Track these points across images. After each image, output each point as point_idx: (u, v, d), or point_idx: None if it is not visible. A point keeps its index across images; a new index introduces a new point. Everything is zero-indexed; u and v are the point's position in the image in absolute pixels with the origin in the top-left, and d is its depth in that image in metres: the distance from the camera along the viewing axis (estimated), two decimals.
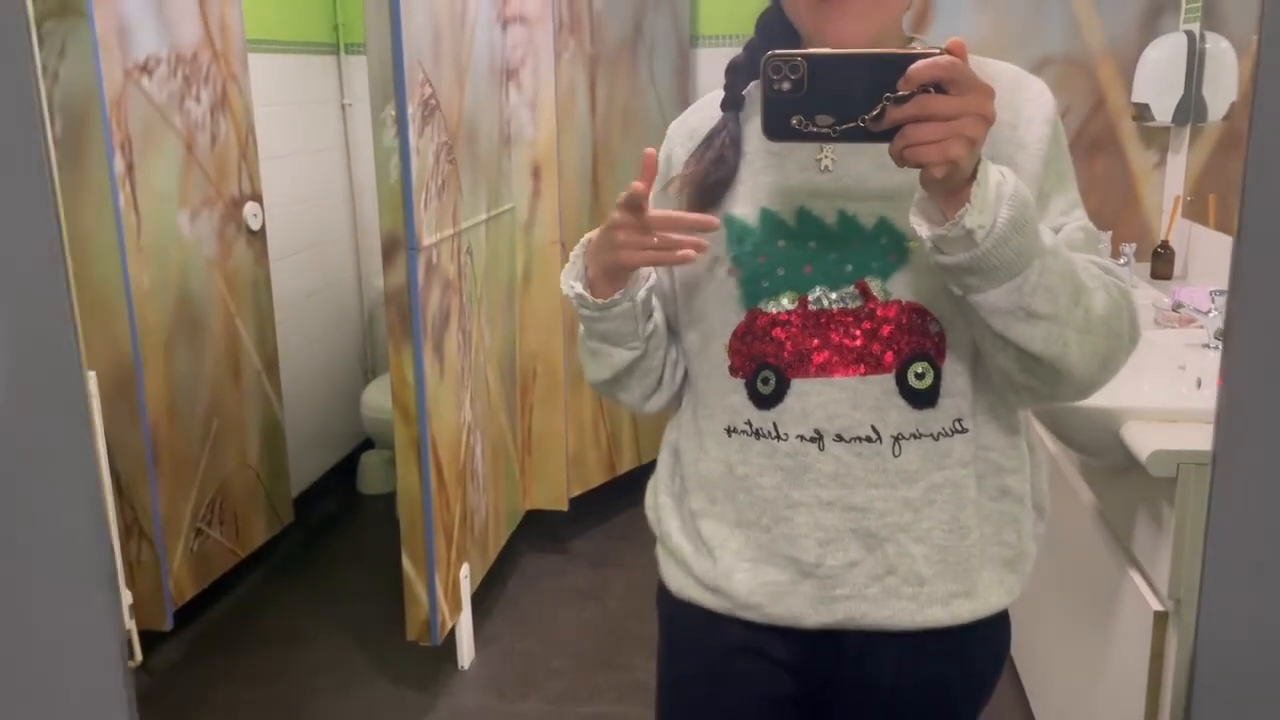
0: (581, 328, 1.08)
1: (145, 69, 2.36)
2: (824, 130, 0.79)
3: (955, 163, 0.77)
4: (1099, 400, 1.58)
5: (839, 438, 0.97)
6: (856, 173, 0.97)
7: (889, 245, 0.95)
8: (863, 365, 0.96)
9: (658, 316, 1.07)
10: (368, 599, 2.85)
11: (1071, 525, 1.91)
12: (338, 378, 3.63)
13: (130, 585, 2.36)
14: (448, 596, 2.37)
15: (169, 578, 2.46)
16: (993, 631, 1.04)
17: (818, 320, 0.97)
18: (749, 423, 1.01)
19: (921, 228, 0.83)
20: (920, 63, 0.76)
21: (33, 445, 0.49)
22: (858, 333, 0.96)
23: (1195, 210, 2.56)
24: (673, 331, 1.11)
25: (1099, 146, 2.72)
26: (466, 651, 2.53)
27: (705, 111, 1.08)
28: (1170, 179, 2.71)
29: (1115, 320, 0.91)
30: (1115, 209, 2.75)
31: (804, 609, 1.01)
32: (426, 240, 2.21)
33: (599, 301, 1.01)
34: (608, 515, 3.23)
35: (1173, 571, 1.46)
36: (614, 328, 1.04)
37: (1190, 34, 2.53)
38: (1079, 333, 0.87)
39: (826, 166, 0.98)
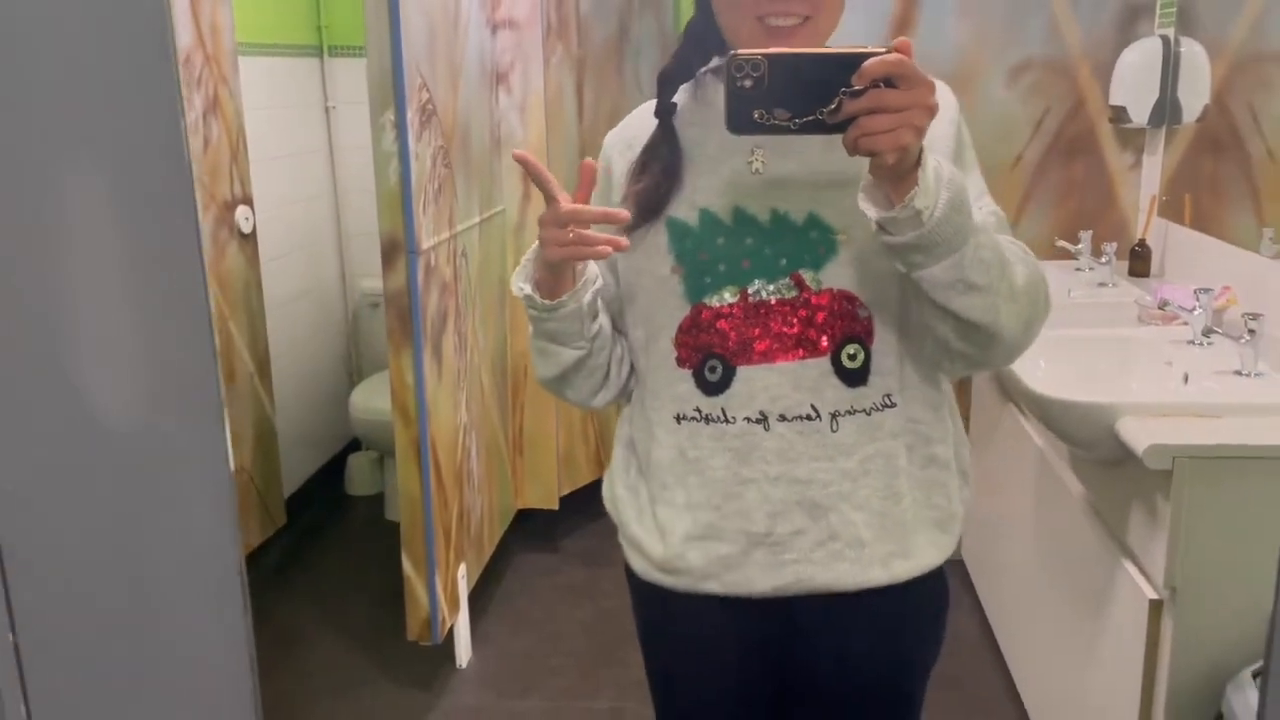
0: (530, 327, 1.16)
1: None
2: (784, 123, 0.87)
3: (905, 149, 0.85)
4: (1093, 396, 1.65)
5: (782, 417, 1.07)
6: (785, 173, 1.06)
7: (819, 238, 1.05)
8: (801, 350, 1.06)
9: (603, 319, 1.15)
10: (363, 599, 2.87)
11: (1062, 517, 1.96)
12: (324, 379, 3.63)
13: None
14: (446, 596, 2.39)
15: None
16: (930, 587, 1.15)
17: (758, 311, 1.07)
18: (698, 409, 1.10)
19: (870, 211, 0.92)
20: (872, 60, 0.84)
21: (171, 451, 0.51)
22: (795, 320, 1.06)
23: (1171, 210, 2.64)
24: (618, 332, 1.19)
25: (1078, 148, 2.79)
26: (464, 650, 2.56)
27: (640, 122, 1.16)
28: (1146, 179, 2.78)
29: (1035, 289, 1.03)
30: (1094, 209, 2.82)
31: (756, 574, 1.11)
32: (425, 244, 2.22)
33: (546, 303, 1.09)
34: (598, 513, 3.22)
35: (1168, 561, 1.52)
36: (560, 328, 1.11)
37: (1165, 38, 2.61)
38: (1008, 301, 0.98)
39: (757, 169, 1.07)
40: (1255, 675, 1.47)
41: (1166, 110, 2.63)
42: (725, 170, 1.08)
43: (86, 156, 0.47)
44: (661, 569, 1.16)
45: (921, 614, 1.18)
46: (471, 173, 2.56)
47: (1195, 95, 2.50)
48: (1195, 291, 1.91)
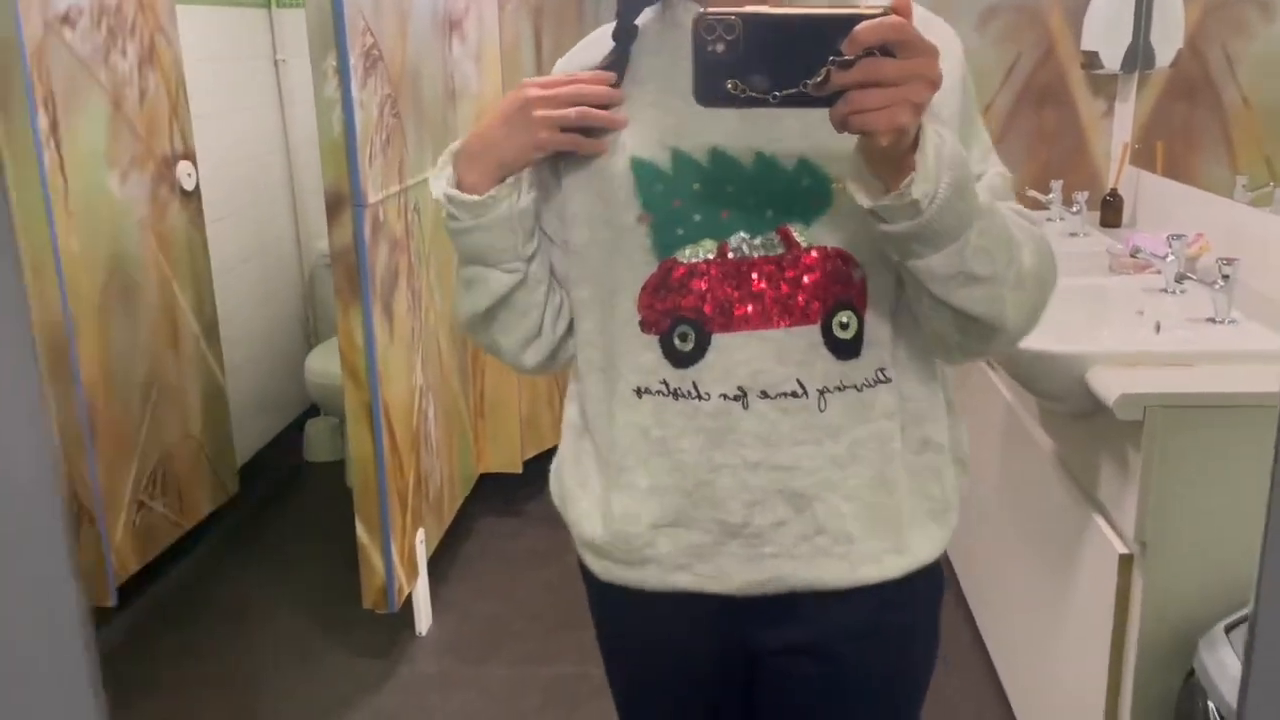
0: (455, 259, 1.00)
1: (67, 20, 2.23)
2: (761, 96, 0.75)
3: (902, 130, 0.73)
4: (1063, 346, 1.59)
5: (764, 394, 0.92)
6: (772, 111, 0.93)
7: (811, 188, 0.91)
8: (787, 316, 0.92)
9: (540, 240, 1.00)
10: (319, 568, 2.79)
11: (1031, 472, 1.92)
12: (279, 343, 3.53)
13: None
14: (404, 563, 2.32)
15: (111, 553, 2.37)
16: (923, 582, 1.02)
17: (738, 269, 0.92)
18: (665, 382, 0.95)
19: (860, 197, 0.80)
20: (866, 24, 0.72)
21: None
22: (781, 282, 0.92)
23: (1143, 158, 2.58)
24: (556, 280, 1.03)
25: (1048, 95, 2.72)
26: (424, 617, 2.49)
27: (595, 49, 0.99)
28: (1118, 127, 2.72)
29: (1043, 271, 0.91)
30: (1065, 157, 2.76)
31: (731, 567, 0.97)
32: (373, 197, 2.13)
33: (475, 198, 0.93)
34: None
35: (1139, 514, 1.47)
36: (491, 240, 0.95)
37: None
38: (1014, 289, 0.87)
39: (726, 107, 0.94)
40: (1228, 630, 1.43)
41: (1139, 55, 2.57)
42: (698, 105, 0.91)
43: None
44: (627, 563, 1.01)
45: (915, 612, 1.04)
46: (424, 124, 2.45)
47: (1168, 40, 2.44)
48: (1168, 238, 1.86)
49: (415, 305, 2.42)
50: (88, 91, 2.30)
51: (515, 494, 3.11)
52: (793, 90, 0.75)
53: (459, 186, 0.94)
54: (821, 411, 0.93)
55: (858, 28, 0.72)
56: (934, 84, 0.74)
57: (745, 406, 0.93)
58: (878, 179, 0.79)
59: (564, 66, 1.02)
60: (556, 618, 2.54)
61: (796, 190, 0.91)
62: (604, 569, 1.04)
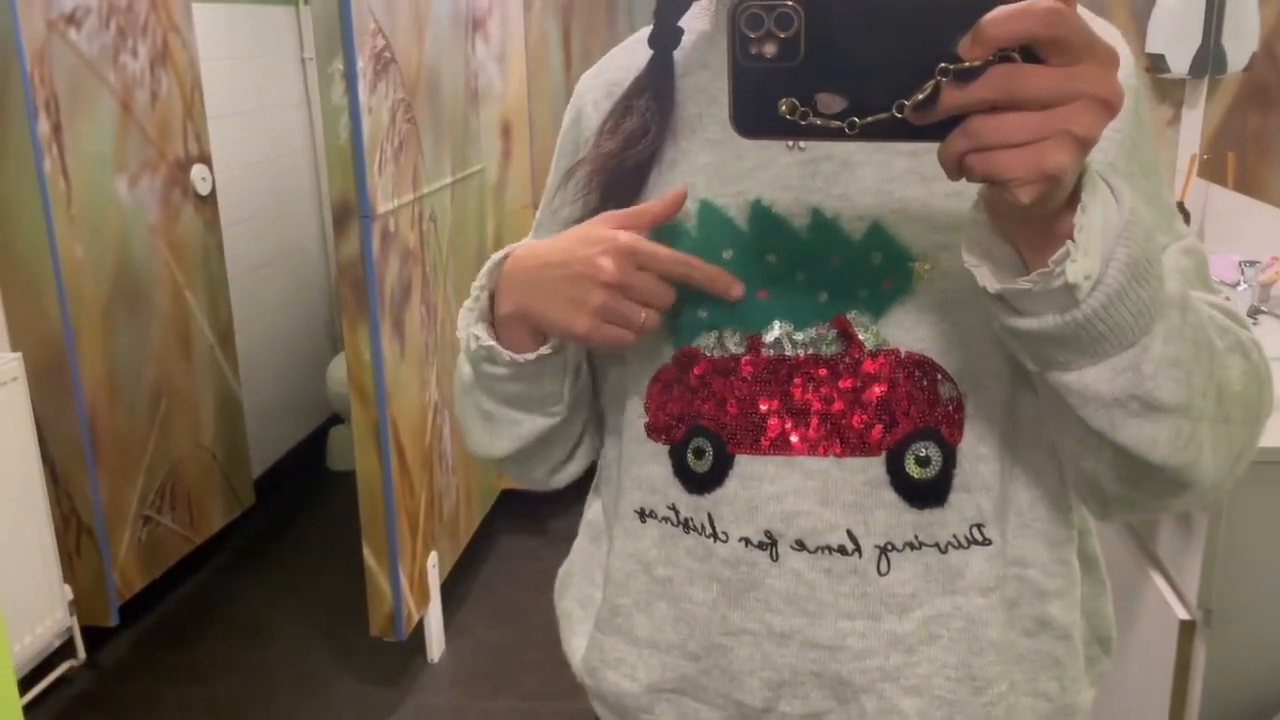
0: (466, 373, 0.78)
1: (72, 20, 2.15)
2: (832, 123, 0.50)
3: (1056, 178, 0.49)
4: None
5: (799, 545, 0.69)
6: (843, 152, 0.69)
7: (885, 266, 0.67)
8: (839, 442, 0.68)
9: (583, 362, 0.79)
10: (333, 586, 2.70)
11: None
12: (302, 350, 3.45)
13: (69, 580, 2.21)
14: (414, 588, 2.22)
15: (112, 570, 2.30)
16: None
17: (775, 372, 0.69)
18: (674, 508, 0.73)
19: (983, 274, 0.56)
20: (1002, 10, 0.47)
21: None
22: (834, 393, 0.68)
23: (1212, 170, 2.40)
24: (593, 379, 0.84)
25: None
26: (436, 644, 2.39)
27: (628, 58, 0.79)
28: (1186, 136, 2.55)
29: (1258, 398, 0.64)
30: None
31: None
32: (382, 207, 2.02)
33: (522, 359, 0.72)
34: (588, 490, 3.09)
35: (1203, 578, 1.33)
36: (532, 390, 0.75)
37: None
38: (1215, 424, 0.60)
39: (799, 143, 0.69)
40: None
41: (1209, 59, 2.39)
42: (746, 142, 0.60)
43: None
44: (622, 718, 0.80)
45: None
46: (442, 129, 2.35)
47: (1241, 42, 2.26)
48: (1239, 264, 1.69)
49: (430, 320, 2.31)
50: (94, 93, 2.23)
51: (538, 510, 3.00)
52: (882, 115, 0.50)
53: (499, 315, 0.73)
54: (882, 575, 0.69)
55: (988, 16, 0.47)
56: (1110, 108, 0.49)
57: (774, 558, 0.69)
58: (1010, 249, 0.56)
59: (588, 84, 0.82)
60: None
61: (864, 267, 0.67)
62: (604, 715, 0.84)
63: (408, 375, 2.18)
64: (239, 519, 2.88)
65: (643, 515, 0.75)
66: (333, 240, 3.52)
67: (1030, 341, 0.57)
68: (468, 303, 0.75)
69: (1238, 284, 1.66)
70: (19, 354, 2.03)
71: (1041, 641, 0.73)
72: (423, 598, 2.29)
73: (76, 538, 2.24)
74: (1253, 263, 1.69)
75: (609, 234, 0.68)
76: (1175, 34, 2.41)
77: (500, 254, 0.74)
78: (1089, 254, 0.52)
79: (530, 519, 2.98)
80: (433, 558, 2.34)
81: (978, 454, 0.68)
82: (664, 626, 0.75)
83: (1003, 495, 0.70)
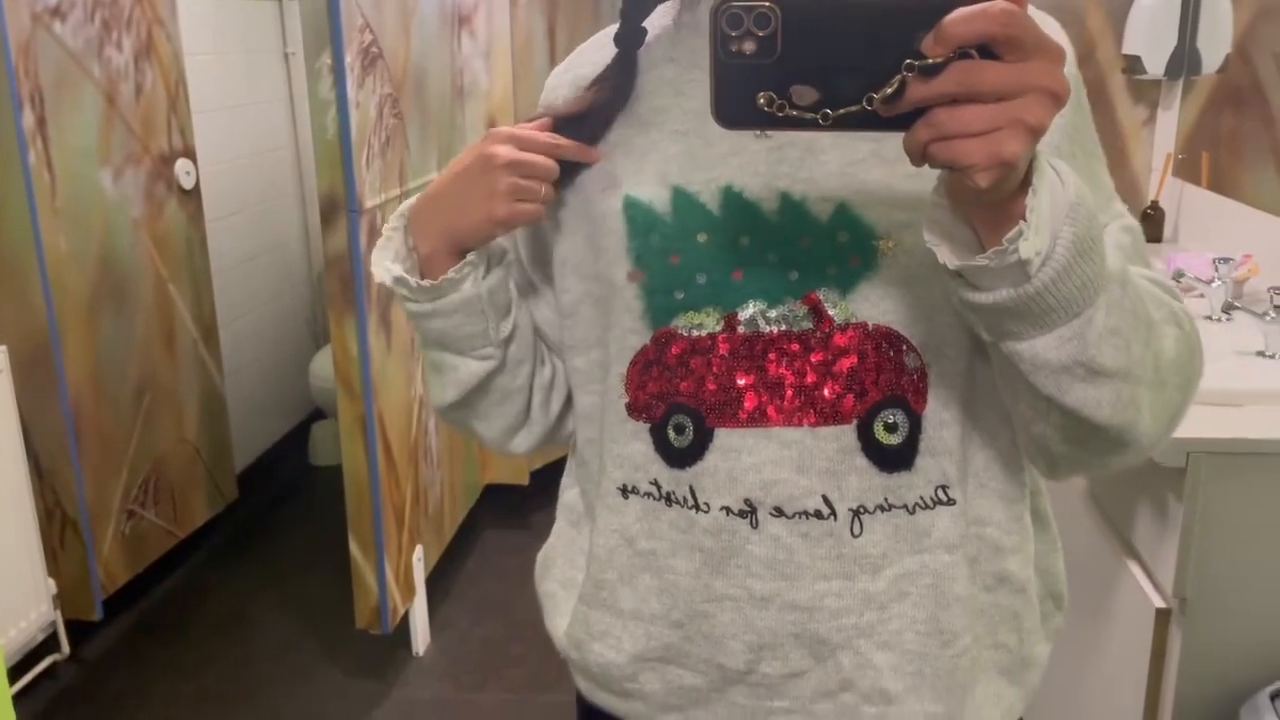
0: (415, 332, 0.84)
1: (57, 13, 2.15)
2: (807, 114, 0.55)
3: (1010, 163, 0.53)
4: None
5: (778, 511, 0.73)
6: (807, 139, 0.72)
7: (851, 245, 0.71)
8: (812, 412, 0.72)
9: (521, 317, 0.83)
10: (317, 580, 2.71)
11: (1061, 509, 1.79)
12: (285, 344, 3.45)
13: (54, 573, 2.20)
14: (399, 581, 2.23)
15: (96, 564, 2.30)
16: None
17: (751, 348, 0.73)
18: (656, 483, 0.77)
19: (943, 252, 0.60)
20: (960, 12, 0.52)
21: None
22: (806, 366, 0.72)
23: (1187, 169, 2.44)
24: (547, 345, 0.88)
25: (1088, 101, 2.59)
26: (422, 637, 2.40)
27: (597, 53, 0.83)
28: (1161, 136, 2.59)
29: (1189, 364, 0.69)
30: None
31: (733, 718, 0.79)
32: (369, 202, 2.03)
33: (428, 284, 0.77)
34: None
35: (1179, 567, 1.35)
36: (454, 326, 0.79)
37: None
38: (1152, 389, 0.65)
39: (765, 131, 0.72)
40: (1273, 698, 1.31)
41: (1185, 60, 2.43)
42: (714, 130, 0.65)
43: None
44: (607, 689, 0.83)
45: None
46: (428, 124, 2.35)
47: (1216, 44, 2.30)
48: (1213, 261, 1.72)
49: None
50: (79, 86, 2.22)
51: (521, 505, 3.01)
52: (853, 107, 0.55)
53: (421, 256, 0.78)
54: (855, 537, 0.73)
55: (948, 18, 0.52)
56: (1058, 99, 0.54)
57: (754, 525, 0.74)
58: (967, 229, 0.60)
59: (558, 79, 0.86)
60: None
61: (832, 247, 0.71)
62: (588, 689, 0.86)
63: (394, 370, 2.19)
64: (222, 513, 2.88)
65: (625, 492, 0.78)
66: (315, 236, 3.54)
67: (986, 314, 0.61)
68: (379, 243, 0.80)
69: (1212, 280, 1.70)
70: (3, 347, 2.02)
71: (1000, 596, 0.78)
72: (408, 591, 2.30)
73: (61, 531, 2.24)
74: (1226, 259, 1.73)
75: (488, 134, 0.77)
76: (1151, 36, 2.44)
77: (405, 205, 0.80)
78: (1039, 232, 0.57)
79: (514, 514, 3.00)
80: (418, 551, 2.35)
81: (941, 420, 0.73)
82: (648, 598, 0.78)
83: (963, 458, 0.75)
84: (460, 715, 2.20)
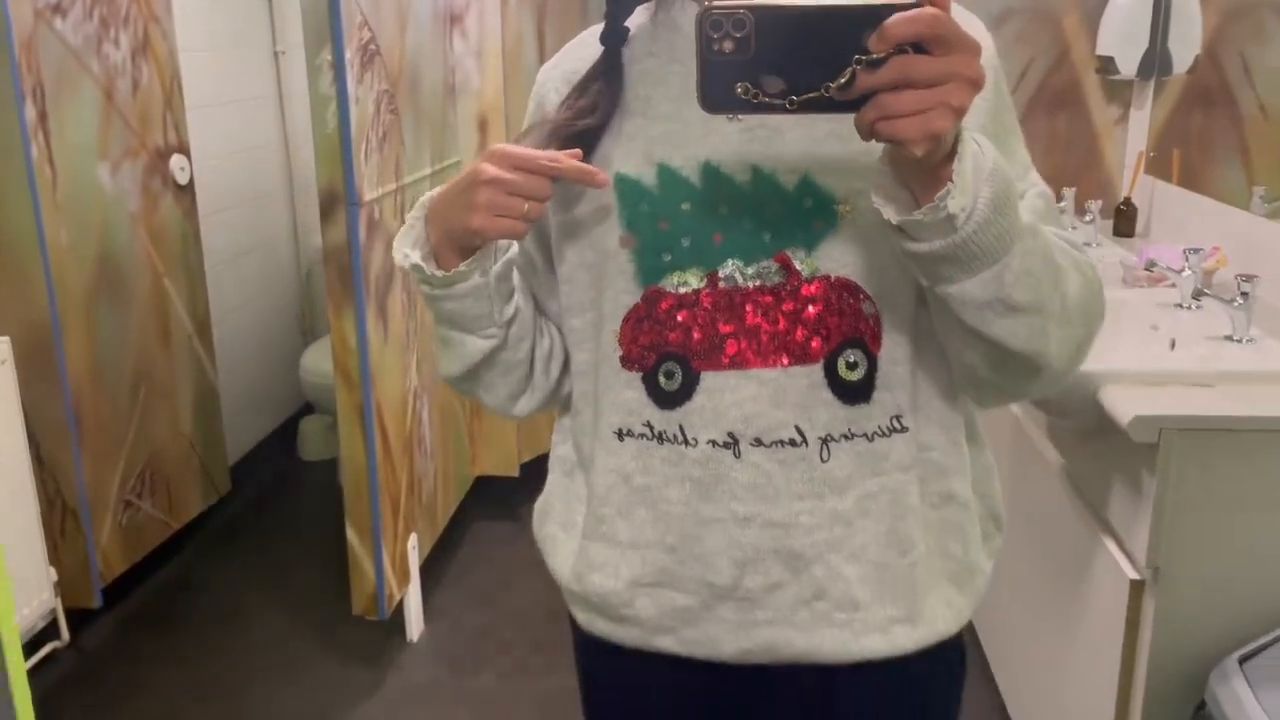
0: (429, 311, 0.93)
1: (58, 9, 2.18)
2: (776, 100, 0.67)
3: (938, 137, 0.65)
4: None
5: (758, 441, 0.84)
6: (773, 121, 0.83)
7: (814, 209, 0.82)
8: (785, 354, 0.84)
9: (521, 300, 0.93)
10: (310, 570, 2.74)
11: (1038, 488, 1.86)
12: (274, 340, 3.48)
13: (54, 562, 2.23)
14: (395, 568, 2.27)
15: (96, 553, 2.33)
16: (941, 661, 0.92)
17: (731, 301, 0.84)
18: (649, 424, 0.87)
19: (887, 211, 0.72)
20: (897, 17, 0.64)
21: None
22: (778, 315, 0.84)
23: (1158, 166, 2.52)
24: (544, 317, 0.98)
25: (1062, 101, 2.66)
26: (416, 624, 2.45)
27: (583, 50, 0.92)
28: (1133, 134, 2.66)
29: (1090, 303, 0.82)
30: (1077, 165, 2.70)
31: (721, 633, 0.89)
32: (368, 195, 2.08)
33: (440, 275, 0.86)
34: None
35: (1151, 539, 1.41)
36: (463, 309, 0.88)
37: None
38: (1059, 323, 0.78)
39: (741, 115, 0.83)
40: (1241, 661, 1.38)
41: (1156, 61, 2.51)
42: (692, 114, 0.82)
43: None
44: (608, 616, 0.93)
45: (931, 694, 0.94)
46: (422, 121, 2.40)
47: (1186, 45, 2.38)
48: (1184, 252, 1.80)
49: (411, 306, 2.37)
50: (78, 82, 2.25)
51: (511, 497, 3.05)
52: (813, 94, 0.67)
53: (432, 244, 0.87)
54: (824, 462, 0.84)
55: (888, 21, 0.64)
56: (976, 85, 0.66)
57: (737, 455, 0.85)
58: (906, 192, 0.72)
59: (548, 74, 0.95)
60: (550, 628, 2.48)
61: (798, 212, 0.82)
62: (587, 620, 0.96)
63: (390, 361, 2.24)
64: (215, 505, 2.91)
65: (621, 435, 0.89)
66: (304, 233, 3.57)
67: (923, 261, 0.74)
68: (402, 230, 0.88)
69: (1183, 270, 1.77)
70: (6, 338, 2.05)
71: (946, 512, 0.90)
72: (403, 578, 2.35)
73: (61, 520, 2.27)
74: (1196, 250, 1.80)
75: (488, 150, 0.83)
76: (1124, 38, 2.52)
77: (426, 197, 0.88)
78: (964, 192, 0.69)
79: (504, 507, 3.04)
80: (413, 539, 2.40)
81: (894, 358, 0.85)
82: (644, 528, 0.89)
83: (913, 391, 0.87)
84: (456, 698, 2.24)
